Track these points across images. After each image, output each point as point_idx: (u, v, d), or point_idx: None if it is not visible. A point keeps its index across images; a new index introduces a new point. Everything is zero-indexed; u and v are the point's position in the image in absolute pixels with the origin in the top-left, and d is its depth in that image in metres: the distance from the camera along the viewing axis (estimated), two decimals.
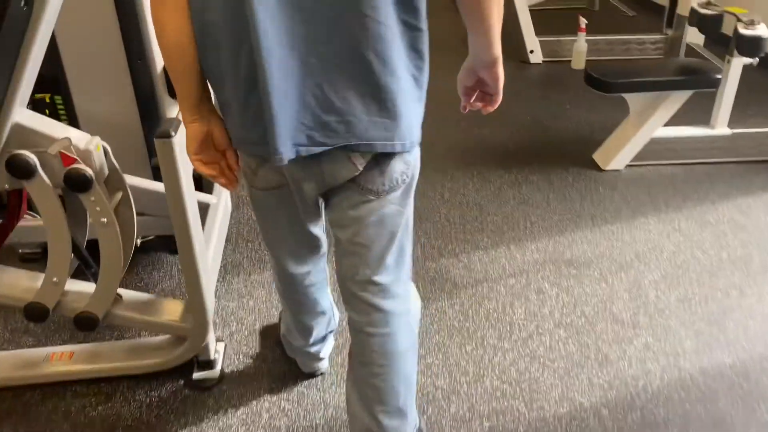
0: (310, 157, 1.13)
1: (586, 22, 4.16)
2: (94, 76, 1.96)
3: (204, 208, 2.08)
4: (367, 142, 1.11)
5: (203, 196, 2.11)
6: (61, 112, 2.04)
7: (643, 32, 4.56)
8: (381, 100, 1.08)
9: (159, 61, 2.02)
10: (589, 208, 2.66)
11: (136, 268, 2.27)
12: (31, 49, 1.35)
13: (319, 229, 1.49)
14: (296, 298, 1.62)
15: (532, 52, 4.44)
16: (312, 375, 1.82)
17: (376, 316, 1.34)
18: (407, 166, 1.21)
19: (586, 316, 2.05)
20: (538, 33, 4.45)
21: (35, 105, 2.01)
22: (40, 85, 1.99)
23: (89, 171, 1.45)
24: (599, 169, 2.97)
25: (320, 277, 1.62)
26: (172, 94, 2.10)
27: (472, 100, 1.30)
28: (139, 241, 2.20)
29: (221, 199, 2.14)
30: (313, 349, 1.77)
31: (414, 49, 1.09)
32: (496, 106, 1.28)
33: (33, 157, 1.42)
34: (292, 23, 1.02)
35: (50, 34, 1.40)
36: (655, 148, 2.94)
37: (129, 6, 1.86)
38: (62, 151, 1.44)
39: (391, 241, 1.28)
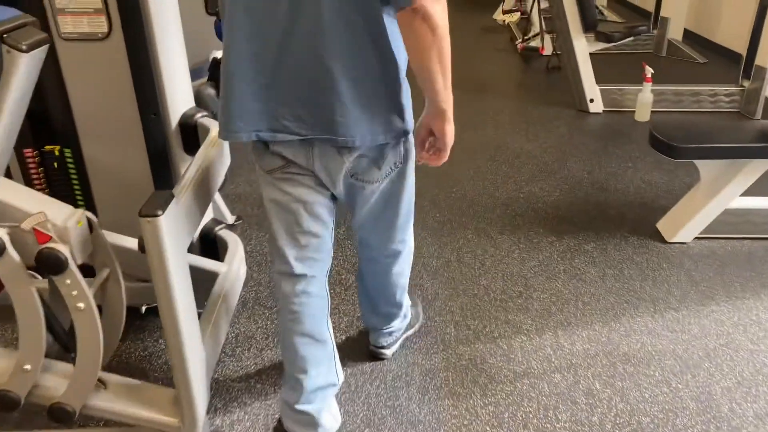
0: (303, 148, 1.36)
1: (653, 71, 3.84)
2: (105, 130, 1.85)
3: (212, 277, 1.89)
4: (331, 137, 1.31)
5: (212, 264, 1.92)
6: (70, 165, 1.91)
7: (716, 83, 4.20)
8: (342, 103, 1.28)
9: (174, 117, 1.87)
10: (650, 288, 2.33)
11: (142, 334, 2.09)
12: (1, 115, 1.19)
13: (324, 213, 1.49)
14: (294, 308, 1.53)
15: (592, 101, 4.16)
16: None
17: (383, 255, 1.71)
18: (398, 157, 1.43)
19: (643, 428, 1.73)
20: (599, 81, 4.17)
21: (43, 157, 1.89)
22: (49, 137, 1.90)
23: (64, 251, 1.27)
24: (663, 241, 2.64)
25: (322, 292, 1.58)
26: (186, 149, 1.94)
27: (423, 153, 1.46)
28: (144, 308, 2.03)
29: (232, 267, 1.94)
30: (310, 408, 1.56)
31: (382, 63, 1.28)
32: (442, 162, 1.45)
33: (2, 234, 1.26)
34: (265, 37, 1.26)
35: (27, 100, 1.24)
36: (729, 220, 2.60)
37: (143, 59, 1.73)
38: (36, 227, 1.27)
39: (396, 208, 1.56)
